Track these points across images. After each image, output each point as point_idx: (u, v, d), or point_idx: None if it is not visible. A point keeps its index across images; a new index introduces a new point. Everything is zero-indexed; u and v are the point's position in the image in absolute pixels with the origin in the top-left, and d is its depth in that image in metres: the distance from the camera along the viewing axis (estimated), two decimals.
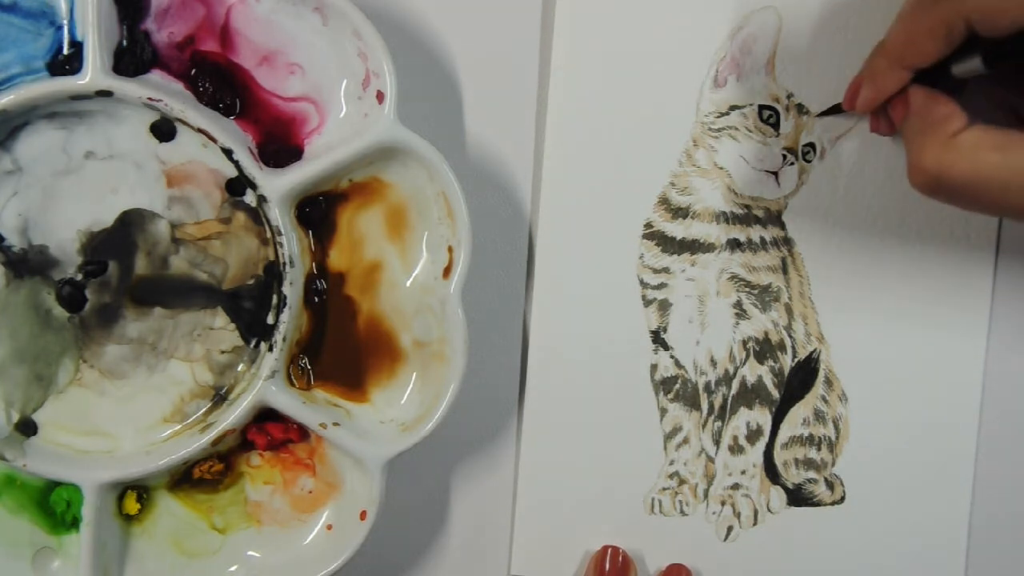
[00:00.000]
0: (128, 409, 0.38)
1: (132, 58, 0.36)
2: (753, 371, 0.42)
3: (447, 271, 0.38)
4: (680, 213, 0.41)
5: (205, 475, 0.39)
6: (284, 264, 0.37)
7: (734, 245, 0.42)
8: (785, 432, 0.42)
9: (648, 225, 0.41)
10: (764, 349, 0.42)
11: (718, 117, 0.41)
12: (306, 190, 0.38)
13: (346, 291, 0.39)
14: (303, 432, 0.39)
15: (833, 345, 0.42)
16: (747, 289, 0.42)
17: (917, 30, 0.33)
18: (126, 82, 0.36)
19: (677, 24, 0.40)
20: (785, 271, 0.42)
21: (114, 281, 0.38)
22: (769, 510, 0.43)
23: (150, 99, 0.36)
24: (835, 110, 0.40)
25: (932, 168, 0.32)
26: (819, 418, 0.42)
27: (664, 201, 0.41)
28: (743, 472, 0.42)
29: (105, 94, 0.36)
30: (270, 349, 0.38)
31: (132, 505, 0.39)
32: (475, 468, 0.42)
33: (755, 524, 0.43)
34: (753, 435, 0.42)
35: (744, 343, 0.42)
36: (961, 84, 0.35)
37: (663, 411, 0.42)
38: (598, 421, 0.42)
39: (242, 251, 0.38)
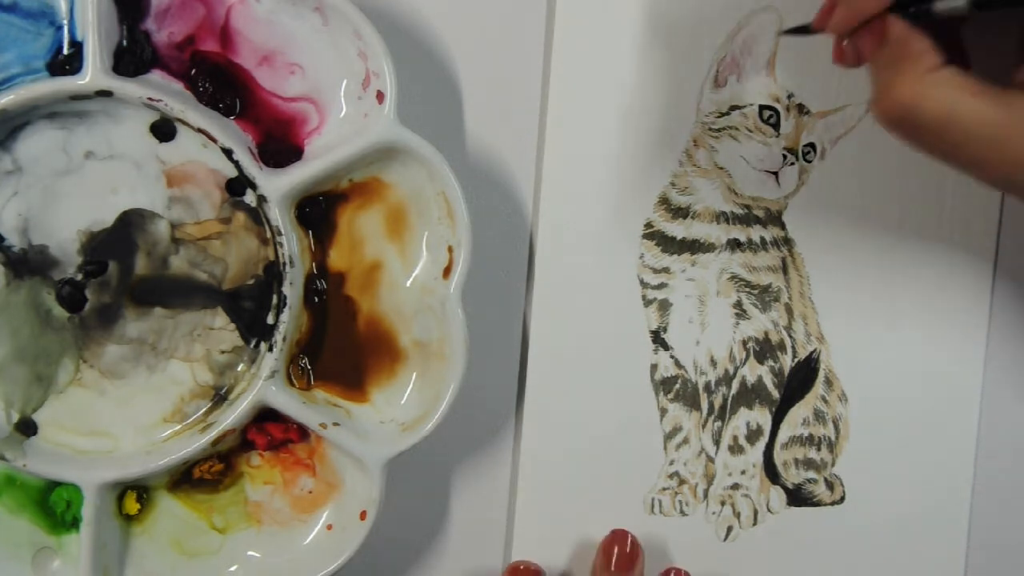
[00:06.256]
0: (128, 409, 0.38)
1: (132, 58, 0.36)
2: (753, 371, 0.42)
3: (447, 271, 0.38)
4: (680, 213, 0.41)
5: (205, 475, 0.39)
6: (284, 264, 0.37)
7: (734, 245, 0.42)
8: (785, 432, 0.42)
9: (648, 225, 0.41)
10: (764, 349, 0.42)
11: (718, 117, 0.41)
12: (306, 190, 0.38)
13: (346, 291, 0.39)
14: (303, 432, 0.39)
15: (833, 345, 0.42)
16: (747, 289, 0.42)
17: None
18: (126, 82, 0.36)
19: (677, 24, 0.40)
20: (785, 271, 0.42)
21: (114, 281, 0.38)
22: (769, 510, 0.43)
23: (150, 99, 0.36)
24: (803, 30, 0.39)
25: (906, 99, 0.31)
26: (819, 418, 0.42)
27: (664, 201, 0.41)
28: (743, 472, 0.42)
29: (105, 94, 0.36)
30: (270, 349, 0.38)
31: (132, 505, 0.39)
32: (475, 468, 0.42)
33: (755, 524, 0.43)
34: (753, 435, 0.42)
35: (744, 343, 0.42)
36: (938, 25, 0.34)
37: (663, 411, 0.42)
38: (598, 421, 0.42)
39: (242, 251, 0.38)
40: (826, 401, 0.42)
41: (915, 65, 0.32)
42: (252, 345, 0.39)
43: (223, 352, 0.39)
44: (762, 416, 0.42)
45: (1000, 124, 0.31)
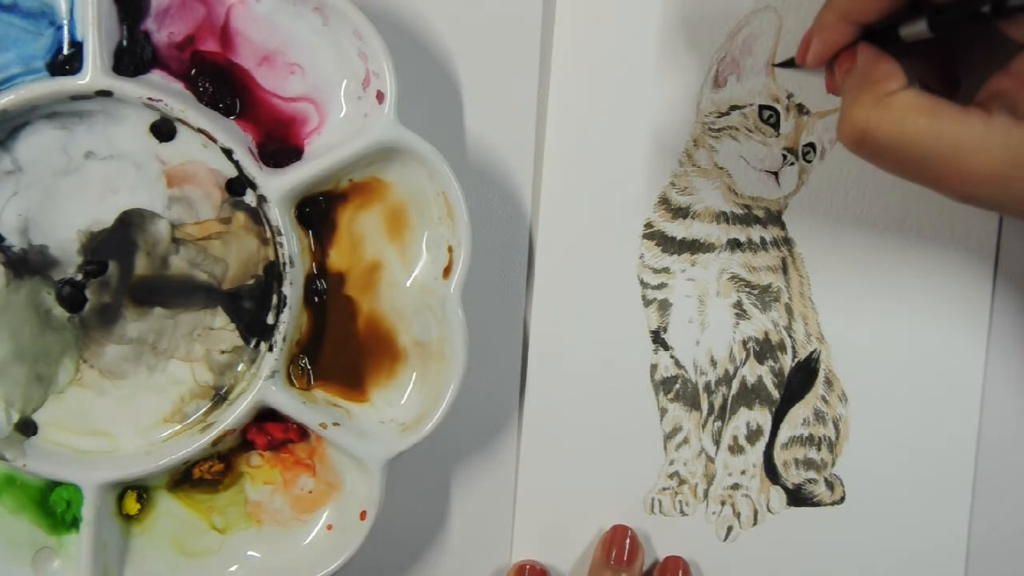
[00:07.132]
0: (128, 409, 0.39)
1: (132, 58, 0.36)
2: (753, 371, 0.42)
3: (447, 271, 0.38)
4: (680, 213, 0.41)
5: (205, 475, 0.39)
6: (284, 264, 0.37)
7: (734, 245, 0.42)
8: (785, 432, 0.42)
9: (648, 225, 0.41)
10: (764, 349, 0.42)
11: (718, 117, 0.41)
12: (306, 190, 0.38)
13: (346, 291, 0.39)
14: (303, 432, 0.39)
15: (833, 345, 0.42)
16: (747, 289, 0.42)
17: None
18: (126, 82, 0.36)
19: (677, 24, 0.40)
20: (785, 271, 0.42)
21: (114, 281, 0.38)
22: (769, 510, 0.43)
23: (150, 99, 0.36)
24: (791, 63, 0.40)
25: (860, 123, 0.32)
26: (819, 418, 0.42)
27: (664, 201, 0.41)
28: (743, 472, 0.42)
29: (105, 94, 0.36)
30: (270, 349, 0.38)
31: (132, 505, 0.39)
32: (475, 468, 0.42)
33: (755, 524, 0.43)
34: (753, 435, 0.42)
35: (744, 343, 0.42)
36: (910, 48, 0.35)
37: (663, 411, 0.42)
38: (598, 421, 0.42)
39: (242, 251, 0.38)
40: (826, 401, 0.42)
41: (874, 89, 0.32)
42: (252, 345, 0.39)
43: (223, 352, 0.39)
44: (762, 416, 0.42)
45: (955, 142, 0.31)
